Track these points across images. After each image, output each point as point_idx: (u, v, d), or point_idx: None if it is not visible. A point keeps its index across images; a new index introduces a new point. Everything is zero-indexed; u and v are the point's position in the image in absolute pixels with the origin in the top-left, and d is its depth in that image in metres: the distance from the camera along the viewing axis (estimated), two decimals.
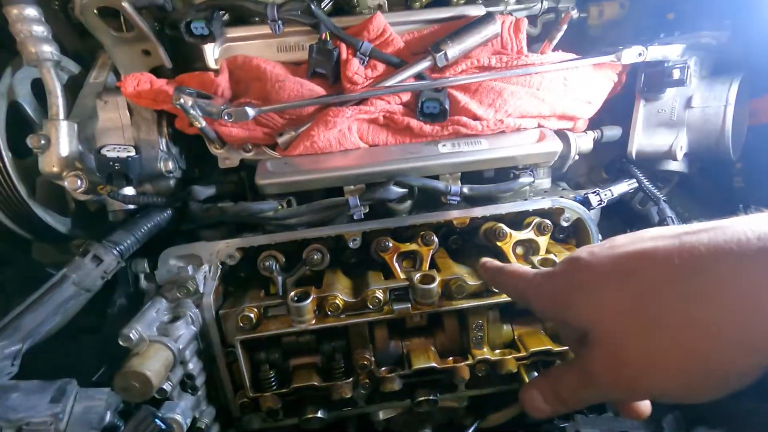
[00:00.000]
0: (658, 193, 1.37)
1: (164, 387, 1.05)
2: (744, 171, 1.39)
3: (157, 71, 1.32)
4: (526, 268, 0.96)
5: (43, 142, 1.13)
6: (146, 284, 1.27)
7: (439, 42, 1.24)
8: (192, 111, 1.15)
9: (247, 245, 1.23)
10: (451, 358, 1.25)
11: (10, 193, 1.20)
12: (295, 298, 1.13)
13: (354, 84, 1.27)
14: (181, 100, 1.12)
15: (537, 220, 1.26)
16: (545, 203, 1.26)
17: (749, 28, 1.27)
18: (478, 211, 1.25)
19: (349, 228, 1.22)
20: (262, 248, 1.24)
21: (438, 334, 1.29)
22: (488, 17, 1.25)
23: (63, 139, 1.15)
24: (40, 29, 1.09)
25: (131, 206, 1.25)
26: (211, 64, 1.33)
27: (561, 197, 1.28)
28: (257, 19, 1.30)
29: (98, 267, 1.06)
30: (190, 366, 1.15)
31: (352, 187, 1.24)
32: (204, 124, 1.20)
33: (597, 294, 0.71)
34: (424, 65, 1.25)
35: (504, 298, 1.19)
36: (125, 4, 1.16)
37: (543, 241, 1.26)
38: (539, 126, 1.32)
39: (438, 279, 1.15)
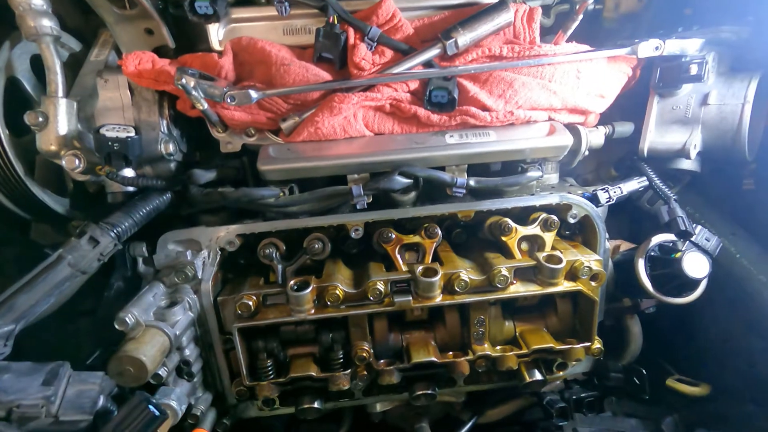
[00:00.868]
0: (670, 192, 1.34)
1: (160, 372, 1.04)
2: (757, 172, 1.36)
3: (160, 51, 1.29)
4: None
5: (41, 119, 1.10)
6: (144, 268, 1.25)
7: (449, 29, 1.20)
8: (194, 92, 1.12)
9: (247, 232, 1.20)
10: (451, 353, 1.24)
11: (7, 171, 1.18)
12: (295, 287, 1.12)
13: (361, 70, 1.24)
14: (183, 81, 1.09)
15: (543, 215, 1.23)
16: (553, 199, 1.24)
17: None
18: (484, 205, 1.22)
19: (351, 217, 1.20)
20: (263, 235, 1.22)
21: (438, 328, 1.27)
22: (501, 5, 1.21)
23: (62, 117, 1.13)
24: (39, 3, 1.06)
25: (130, 188, 1.23)
26: (215, 46, 1.30)
27: (569, 193, 1.25)
28: (263, 0, 1.27)
29: (94, 249, 1.04)
30: (187, 352, 1.13)
31: (356, 175, 1.22)
32: (206, 106, 1.17)
33: None
34: (433, 53, 1.21)
35: (507, 293, 1.17)
36: None
37: (549, 237, 1.24)
38: (550, 119, 1.29)
39: (440, 272, 1.13)
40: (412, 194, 1.25)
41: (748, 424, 1.32)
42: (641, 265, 1.28)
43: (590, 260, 1.19)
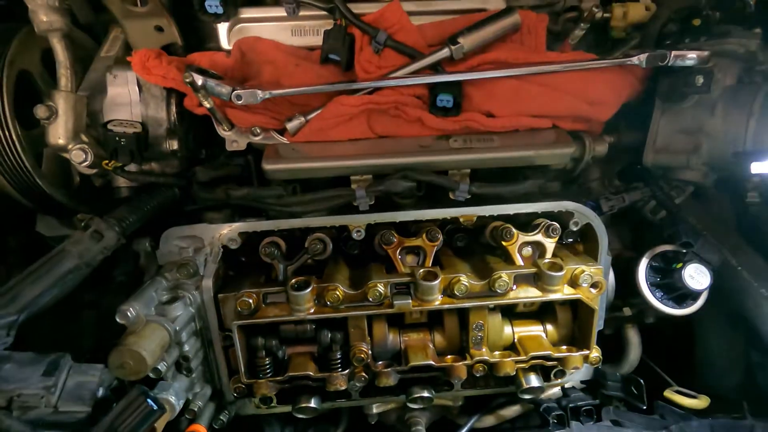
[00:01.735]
0: (673, 202, 1.34)
1: (159, 367, 1.04)
2: (761, 185, 1.36)
3: (169, 48, 1.30)
4: None
5: (50, 113, 1.12)
6: (147, 263, 1.26)
7: (456, 34, 1.21)
8: (201, 90, 1.13)
9: (250, 230, 1.21)
10: (449, 357, 1.24)
11: (15, 163, 1.20)
12: (295, 286, 1.12)
13: (367, 72, 1.25)
14: (191, 79, 1.10)
15: (545, 222, 1.23)
16: (555, 206, 1.24)
17: None
18: (486, 210, 1.23)
19: (353, 219, 1.21)
20: (265, 234, 1.23)
21: (437, 332, 1.27)
22: (508, 12, 1.22)
23: (71, 112, 1.14)
24: None
25: (135, 183, 1.24)
26: (224, 44, 1.31)
27: (572, 201, 1.25)
28: (272, 0, 1.28)
29: (99, 243, 1.05)
30: (186, 348, 1.14)
31: (359, 177, 1.23)
32: (213, 104, 1.18)
33: None
34: (439, 57, 1.22)
35: (506, 299, 1.17)
36: None
37: (551, 244, 1.24)
38: (554, 126, 1.29)
39: (440, 276, 1.14)
40: (415, 197, 1.26)
41: None
42: (642, 274, 1.28)
43: (591, 268, 1.19)
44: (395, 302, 1.15)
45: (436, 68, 1.25)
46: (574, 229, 1.26)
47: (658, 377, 1.49)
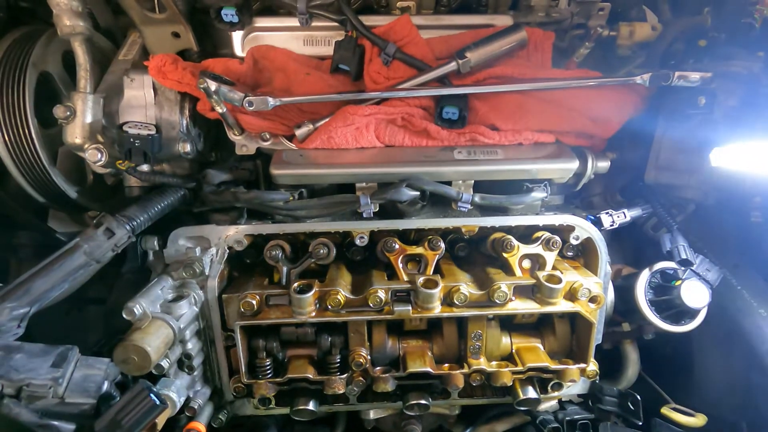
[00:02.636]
0: (673, 220, 1.35)
1: (162, 363, 1.07)
2: (762, 206, 1.36)
3: (185, 54, 1.34)
4: None
5: (68, 113, 1.16)
6: (154, 261, 1.29)
7: (464, 48, 1.24)
8: (214, 96, 1.17)
9: (255, 232, 1.24)
10: (446, 365, 1.25)
11: (32, 160, 1.24)
12: (298, 289, 1.14)
13: (376, 83, 1.28)
14: (205, 84, 1.14)
15: (546, 235, 1.25)
16: (556, 219, 1.25)
17: None
18: (488, 221, 1.25)
19: (357, 225, 1.23)
20: (270, 237, 1.25)
21: (436, 340, 1.29)
22: (516, 28, 1.25)
23: (88, 112, 1.18)
24: (75, 3, 1.12)
25: (147, 183, 1.27)
26: (238, 52, 1.35)
27: (573, 215, 1.27)
28: (286, 11, 1.32)
29: (109, 240, 1.08)
30: (189, 346, 1.16)
31: (364, 184, 1.25)
32: (225, 109, 1.21)
33: None
34: (446, 70, 1.25)
35: (505, 310, 1.19)
36: None
37: (551, 256, 1.26)
38: (557, 141, 1.32)
39: (441, 284, 1.15)
40: (418, 206, 1.28)
41: None
42: (641, 290, 1.29)
43: (590, 282, 1.20)
44: (395, 309, 1.17)
45: (443, 81, 1.28)
46: (575, 242, 1.27)
47: (655, 394, 1.49)
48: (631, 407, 1.34)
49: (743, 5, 1.38)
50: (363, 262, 1.34)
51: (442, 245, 1.24)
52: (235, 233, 1.23)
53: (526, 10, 1.39)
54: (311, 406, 1.25)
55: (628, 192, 1.44)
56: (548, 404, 1.43)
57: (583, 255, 1.34)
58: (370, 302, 1.15)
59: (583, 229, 1.26)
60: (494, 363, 1.26)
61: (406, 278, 1.22)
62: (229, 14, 1.25)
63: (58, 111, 1.15)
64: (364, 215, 1.23)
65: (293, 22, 1.31)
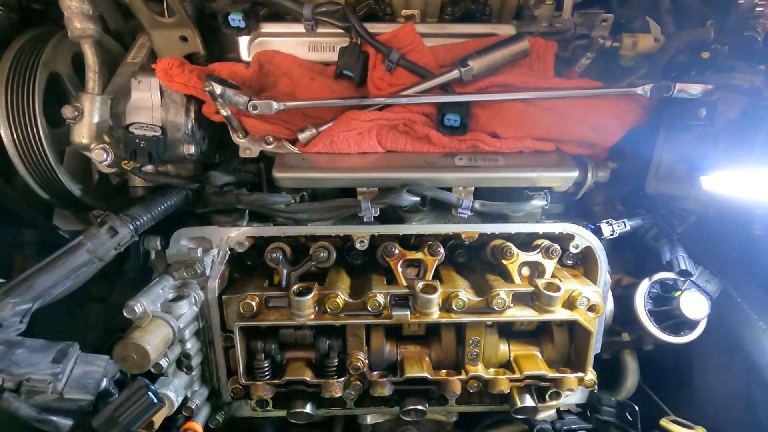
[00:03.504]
0: (674, 230, 1.35)
1: (161, 362, 1.07)
2: (763, 218, 1.36)
3: (192, 57, 1.36)
4: None
5: (76, 113, 1.17)
6: (156, 261, 1.30)
7: (466, 57, 1.25)
8: (220, 99, 1.18)
9: (257, 234, 1.25)
10: (444, 371, 1.25)
11: (40, 158, 1.26)
12: (297, 292, 1.15)
13: (379, 89, 1.29)
14: (211, 88, 1.15)
15: (546, 243, 1.25)
16: (556, 227, 1.26)
17: None
18: (488, 228, 1.25)
19: (358, 229, 1.24)
20: (272, 239, 1.26)
21: (434, 345, 1.29)
22: (518, 38, 1.26)
23: (95, 113, 1.20)
24: (86, 7, 1.15)
25: (151, 184, 1.29)
26: (244, 56, 1.37)
27: (573, 223, 1.27)
28: (292, 17, 1.34)
29: (113, 238, 1.09)
30: (188, 345, 1.17)
31: (365, 189, 1.26)
32: (229, 112, 1.23)
33: None
34: (449, 78, 1.26)
35: (503, 316, 1.19)
36: None
37: (550, 264, 1.26)
38: (558, 149, 1.32)
39: (439, 290, 1.16)
40: (419, 212, 1.29)
41: None
42: (640, 300, 1.29)
43: (589, 291, 1.20)
44: (394, 313, 1.17)
45: (445, 88, 1.29)
46: (574, 251, 1.27)
47: (655, 405, 1.49)
48: (630, 418, 1.33)
49: (746, 19, 1.39)
50: (363, 266, 1.35)
51: (442, 251, 1.25)
52: (236, 235, 1.25)
53: (530, 19, 1.40)
54: (308, 409, 1.25)
55: (629, 202, 1.45)
56: (546, 413, 1.42)
57: (583, 264, 1.34)
58: (369, 306, 1.16)
59: (583, 237, 1.26)
60: (492, 370, 1.26)
61: (405, 283, 1.23)
62: (236, 19, 1.27)
63: (66, 111, 1.17)
64: (365, 219, 1.24)
65: (299, 28, 1.33)
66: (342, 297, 1.16)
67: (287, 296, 1.17)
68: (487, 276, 1.26)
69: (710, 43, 1.42)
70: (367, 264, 1.35)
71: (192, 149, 1.29)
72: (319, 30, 1.33)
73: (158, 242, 1.29)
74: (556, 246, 1.25)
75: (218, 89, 1.16)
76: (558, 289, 1.17)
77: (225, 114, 1.23)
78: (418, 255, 1.25)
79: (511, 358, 1.28)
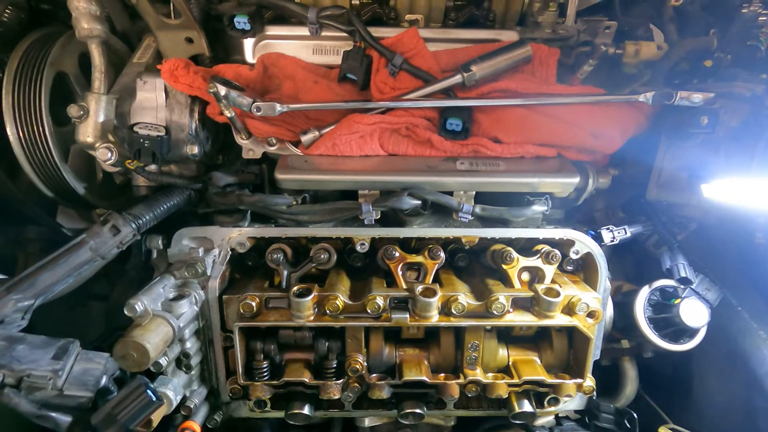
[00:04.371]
0: (674, 238, 1.35)
1: (160, 361, 1.08)
2: (764, 227, 1.36)
3: (197, 59, 1.38)
4: None
5: (82, 112, 1.19)
6: (157, 260, 1.31)
7: (469, 62, 1.26)
8: (224, 100, 1.19)
9: (258, 235, 1.26)
10: (442, 375, 1.25)
11: (45, 156, 1.27)
12: (297, 293, 1.16)
13: (382, 93, 1.30)
14: (215, 89, 1.16)
15: (546, 248, 1.26)
16: (556, 233, 1.26)
17: None
18: (489, 232, 1.26)
19: (358, 231, 1.24)
20: (273, 240, 1.27)
21: (433, 349, 1.29)
22: (521, 44, 1.27)
23: (101, 112, 1.21)
24: (94, 8, 1.16)
25: (154, 183, 1.30)
26: (248, 58, 1.38)
27: (574, 229, 1.27)
28: (296, 20, 1.35)
29: (115, 237, 1.10)
30: (188, 345, 1.18)
31: (366, 192, 1.27)
32: (233, 114, 1.24)
33: None
34: (452, 83, 1.27)
35: (502, 321, 1.19)
36: None
37: (550, 270, 1.26)
38: (559, 155, 1.33)
39: (439, 294, 1.16)
40: (420, 215, 1.29)
41: None
42: (640, 307, 1.29)
43: (588, 297, 1.20)
44: (393, 316, 1.17)
45: (447, 93, 1.30)
46: (575, 257, 1.27)
47: (653, 413, 1.48)
48: (628, 426, 1.33)
49: (749, 28, 1.40)
50: (363, 268, 1.36)
51: (442, 255, 1.25)
52: (238, 235, 1.25)
53: (533, 26, 1.41)
54: (306, 410, 1.25)
55: (630, 208, 1.45)
56: (545, 419, 1.42)
57: (583, 270, 1.34)
58: (369, 309, 1.16)
59: (583, 243, 1.26)
60: (490, 374, 1.26)
61: (405, 286, 1.23)
62: (241, 22, 1.29)
63: (72, 110, 1.18)
64: (366, 222, 1.24)
65: (303, 31, 1.34)
66: (342, 299, 1.17)
67: (287, 297, 1.17)
68: (486, 280, 1.26)
69: (713, 51, 1.43)
70: (367, 266, 1.35)
71: (195, 150, 1.30)
72: (324, 33, 1.35)
73: (160, 241, 1.30)
74: (557, 251, 1.25)
75: (222, 90, 1.17)
76: (558, 294, 1.17)
77: (229, 115, 1.24)
78: (419, 258, 1.25)
79: (510, 363, 1.28)
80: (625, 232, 1.34)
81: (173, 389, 1.11)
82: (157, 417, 1.01)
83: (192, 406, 1.21)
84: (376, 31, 1.32)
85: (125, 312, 1.04)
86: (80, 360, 0.89)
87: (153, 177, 1.26)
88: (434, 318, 1.18)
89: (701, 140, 1.29)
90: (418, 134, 1.29)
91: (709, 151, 1.27)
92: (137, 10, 1.31)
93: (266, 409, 1.28)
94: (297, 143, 1.33)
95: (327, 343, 1.25)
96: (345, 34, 1.32)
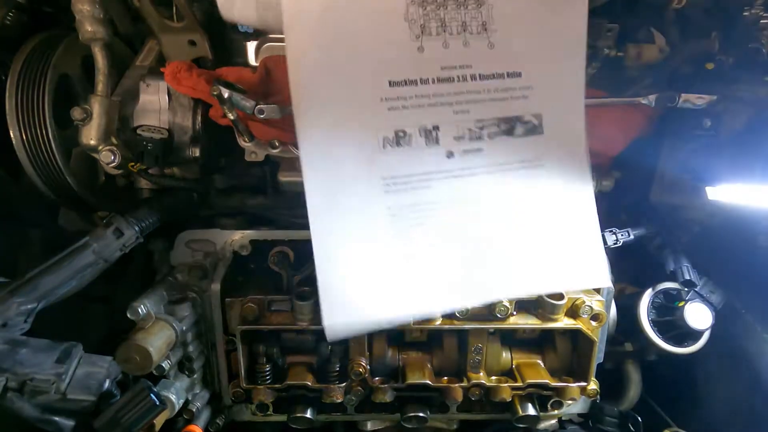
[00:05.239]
0: (678, 240, 1.35)
1: (163, 365, 1.08)
2: None
3: (200, 61, 1.37)
4: None
5: (85, 115, 1.19)
6: (160, 262, 1.31)
7: None
8: (227, 103, 1.19)
9: (261, 238, 1.26)
10: (445, 378, 1.25)
11: (47, 159, 1.27)
12: (300, 296, 1.15)
13: None
14: (218, 92, 1.16)
15: None
16: None
17: None
18: None
19: None
20: (275, 243, 1.27)
21: (436, 352, 1.28)
22: None
23: (104, 115, 1.21)
24: (97, 11, 1.16)
25: (157, 186, 1.30)
26: (252, 61, 1.38)
27: None
28: None
29: (118, 240, 1.10)
30: (190, 348, 1.17)
31: None
32: (236, 116, 1.24)
33: None
34: None
35: (506, 324, 1.19)
36: None
37: None
38: None
39: None
40: None
41: None
42: (643, 310, 1.28)
43: (592, 300, 1.20)
44: None
45: None
46: None
47: (657, 416, 1.47)
48: (632, 429, 1.33)
49: (751, 31, 1.40)
50: None
51: None
52: (240, 238, 1.25)
53: None
54: (309, 414, 1.25)
55: (633, 211, 1.45)
56: (548, 423, 1.41)
57: None
58: None
59: None
60: (494, 378, 1.26)
61: None
62: (244, 25, 1.29)
63: (75, 113, 1.18)
64: None
65: None
66: None
67: (290, 300, 1.17)
68: None
69: (715, 54, 1.43)
70: None
71: (198, 152, 1.30)
72: None
73: (162, 244, 1.30)
74: None
75: (225, 93, 1.17)
76: (561, 297, 1.17)
77: (231, 118, 1.23)
78: None
79: (513, 366, 1.28)
80: (629, 235, 1.33)
81: (176, 393, 1.11)
82: (159, 421, 1.01)
83: (194, 410, 1.20)
84: None
85: (128, 315, 1.03)
86: (83, 364, 0.88)
87: (156, 179, 1.26)
88: (437, 321, 1.17)
89: (704, 143, 1.29)
90: None
91: (712, 153, 1.27)
92: (140, 13, 1.31)
93: (269, 412, 1.28)
94: None
95: (330, 347, 1.24)
96: None
